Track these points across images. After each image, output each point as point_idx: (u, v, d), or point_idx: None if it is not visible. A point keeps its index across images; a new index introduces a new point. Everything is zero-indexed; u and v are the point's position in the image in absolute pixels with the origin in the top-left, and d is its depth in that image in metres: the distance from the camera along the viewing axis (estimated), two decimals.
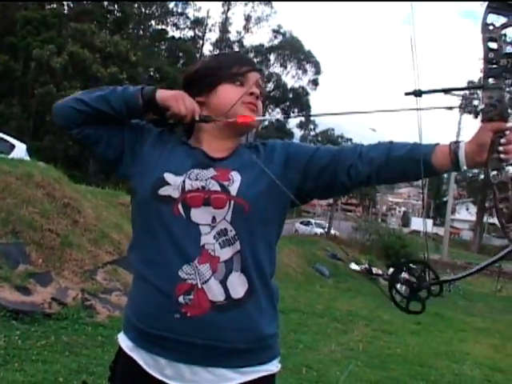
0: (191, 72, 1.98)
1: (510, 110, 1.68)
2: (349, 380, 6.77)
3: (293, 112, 56.58)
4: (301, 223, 41.84)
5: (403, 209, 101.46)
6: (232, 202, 1.78)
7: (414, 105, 1.73)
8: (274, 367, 1.89)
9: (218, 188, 1.79)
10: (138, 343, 1.84)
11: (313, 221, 42.23)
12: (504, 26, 1.70)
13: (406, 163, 1.80)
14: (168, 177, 1.80)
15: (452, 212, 44.94)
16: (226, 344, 1.77)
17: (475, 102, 50.39)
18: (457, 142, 1.76)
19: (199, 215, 1.78)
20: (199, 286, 1.75)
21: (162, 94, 1.87)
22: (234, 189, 1.79)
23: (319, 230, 36.85)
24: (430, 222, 51.72)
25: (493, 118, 1.67)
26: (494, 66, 1.68)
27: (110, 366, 1.96)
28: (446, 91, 1.93)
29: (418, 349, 9.56)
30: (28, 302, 6.58)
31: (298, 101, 55.28)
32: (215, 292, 1.75)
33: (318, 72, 56.25)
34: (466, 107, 45.65)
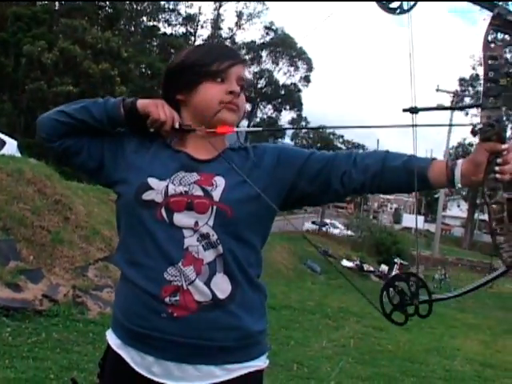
0: (172, 68, 1.95)
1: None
2: (340, 376, 6.79)
3: (284, 108, 56.56)
4: (313, 223, 37.12)
5: (395, 205, 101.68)
6: (215, 208, 1.78)
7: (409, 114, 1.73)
8: (261, 363, 1.91)
9: (200, 193, 1.80)
10: (126, 341, 1.85)
11: (328, 221, 38.60)
12: (506, 45, 1.70)
13: (402, 174, 1.80)
14: (152, 182, 1.81)
15: (443, 209, 45.15)
16: (214, 343, 1.78)
17: (466, 100, 50.59)
18: (454, 160, 1.77)
19: (182, 219, 1.79)
20: (185, 287, 1.76)
21: (143, 102, 1.87)
22: (216, 194, 1.79)
23: (337, 231, 34.93)
24: (421, 218, 51.88)
25: (490, 137, 1.66)
26: (494, 84, 1.67)
27: (99, 362, 1.98)
28: (444, 109, 1.93)
29: (409, 345, 9.59)
30: (19, 299, 6.57)
31: (289, 97, 55.26)
32: (201, 293, 1.77)
33: (309, 69, 56.25)
34: (457, 105, 45.73)
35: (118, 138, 1.94)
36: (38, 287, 6.98)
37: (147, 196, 1.80)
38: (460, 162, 1.76)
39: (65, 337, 6.08)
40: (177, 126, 1.88)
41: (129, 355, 1.84)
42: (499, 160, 1.67)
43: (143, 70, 41.77)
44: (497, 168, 1.67)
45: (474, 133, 1.69)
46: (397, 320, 1.82)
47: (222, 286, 1.79)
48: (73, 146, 1.91)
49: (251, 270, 1.87)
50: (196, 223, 1.78)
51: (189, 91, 1.88)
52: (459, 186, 1.77)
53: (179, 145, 1.92)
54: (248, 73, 53.95)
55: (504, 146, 1.66)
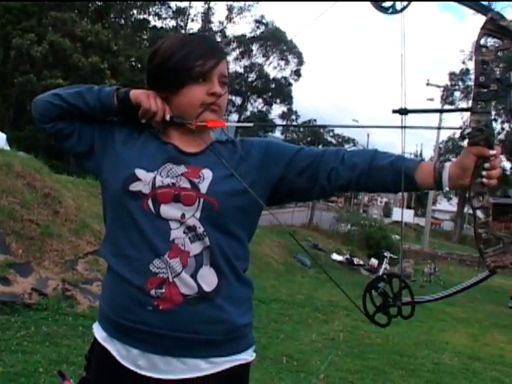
0: (154, 68, 1.95)
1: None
2: (329, 369, 6.82)
3: (275, 102, 56.45)
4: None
5: (385, 199, 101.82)
6: (201, 200, 1.79)
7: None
8: (248, 356, 1.92)
9: (187, 185, 1.81)
10: (111, 334, 1.86)
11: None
12: (498, 50, 1.70)
13: (389, 173, 1.80)
14: (139, 173, 1.82)
15: (433, 203, 45.27)
16: (199, 336, 1.79)
17: (456, 94, 50.73)
18: (442, 162, 1.77)
19: (168, 211, 1.80)
20: (170, 279, 1.77)
21: (135, 92, 1.89)
22: (203, 186, 1.80)
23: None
24: (411, 212, 52.03)
25: (479, 142, 1.67)
26: (485, 89, 1.68)
27: (86, 355, 1.98)
28: (434, 112, 1.94)
29: (398, 338, 9.63)
30: (8, 293, 6.56)
31: (280, 91, 55.19)
32: (187, 285, 1.77)
33: (300, 63, 56.19)
34: (447, 99, 45.89)
35: (110, 127, 1.96)
36: (28, 281, 6.97)
37: (134, 187, 1.81)
38: (448, 164, 1.76)
39: (54, 330, 6.08)
40: (167, 117, 1.88)
41: (114, 348, 1.84)
42: (487, 165, 1.67)
43: (133, 63, 41.58)
44: (484, 173, 1.67)
45: (462, 137, 1.70)
46: (379, 321, 1.83)
47: (208, 279, 1.79)
48: (64, 129, 1.92)
49: (238, 264, 1.87)
50: (183, 215, 1.79)
51: (171, 91, 1.89)
52: (446, 189, 1.78)
53: (167, 136, 1.93)
54: (237, 66, 54.00)
55: (492, 152, 1.66)
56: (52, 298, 6.88)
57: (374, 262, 22.82)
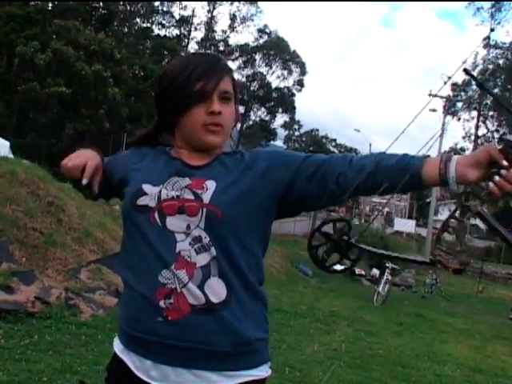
0: (159, 92, 1.98)
1: None
2: (331, 381, 6.81)
3: (277, 112, 56.49)
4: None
5: (386, 209, 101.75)
6: (204, 210, 1.80)
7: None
8: (263, 372, 1.91)
9: (191, 196, 1.82)
10: (127, 345, 1.88)
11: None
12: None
13: (395, 173, 1.77)
14: (146, 187, 1.86)
15: (435, 213, 45.15)
16: (208, 347, 1.79)
17: (458, 105, 50.73)
18: (449, 153, 1.77)
19: (174, 223, 1.82)
20: (178, 290, 1.78)
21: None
22: (206, 196, 1.81)
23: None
24: (413, 222, 51.96)
25: (507, 151, 1.64)
26: None
27: (107, 366, 2.00)
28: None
29: (400, 350, 9.62)
30: (11, 301, 6.57)
31: (283, 101, 55.23)
32: (194, 296, 1.78)
33: (303, 73, 56.24)
34: (449, 109, 45.92)
35: (120, 158, 2.10)
36: (31, 289, 6.98)
37: (141, 201, 1.84)
38: (456, 156, 1.73)
39: (57, 339, 6.08)
40: (84, 182, 1.99)
41: (130, 359, 1.87)
42: (504, 171, 1.63)
43: (136, 71, 41.69)
44: (497, 178, 1.64)
45: (501, 138, 1.67)
46: (335, 269, 1.89)
47: (216, 290, 1.79)
48: (108, 193, 2.11)
49: (250, 275, 1.87)
50: (188, 226, 1.80)
51: (177, 115, 1.91)
52: (453, 179, 1.70)
53: (177, 152, 1.97)
54: (239, 75, 54.06)
55: (505, 162, 1.63)
56: (55, 306, 6.88)
57: (375, 272, 22.76)
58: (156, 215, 1.82)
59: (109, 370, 1.99)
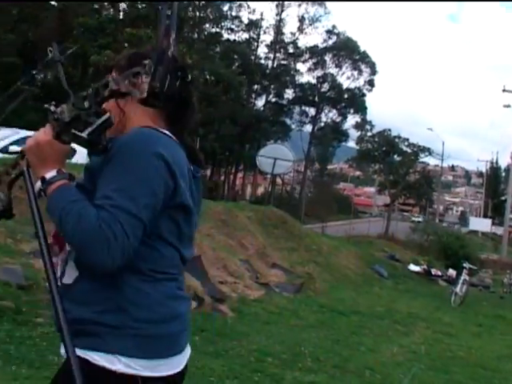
0: None
1: None
2: (413, 383, 6.79)
3: (349, 112, 56.16)
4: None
5: (460, 208, 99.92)
6: None
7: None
8: (102, 360, 1.83)
9: None
10: None
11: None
12: None
13: None
14: None
15: (511, 211, 44.01)
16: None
17: None
18: None
19: None
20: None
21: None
22: None
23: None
24: (488, 221, 50.86)
25: None
26: None
27: None
28: None
29: (481, 352, 9.50)
30: None
31: (353, 102, 54.89)
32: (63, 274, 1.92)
33: (373, 73, 55.74)
34: None
35: None
36: None
37: None
38: None
39: None
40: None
41: None
42: None
43: (207, 76, 42.17)
44: None
45: None
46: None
47: (70, 273, 1.90)
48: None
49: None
50: None
51: None
52: None
53: None
54: (310, 77, 54.00)
55: None
56: None
57: (452, 272, 22.40)
58: None
59: None
